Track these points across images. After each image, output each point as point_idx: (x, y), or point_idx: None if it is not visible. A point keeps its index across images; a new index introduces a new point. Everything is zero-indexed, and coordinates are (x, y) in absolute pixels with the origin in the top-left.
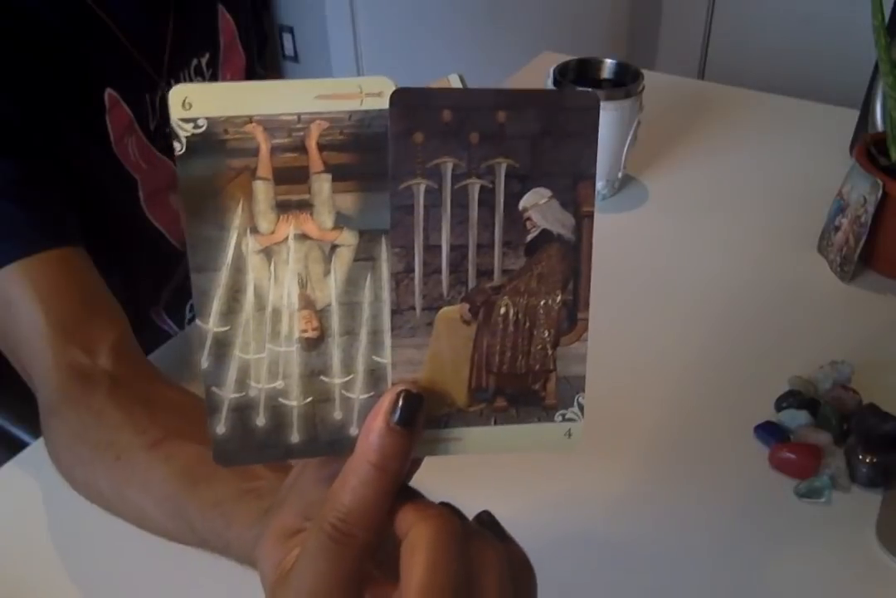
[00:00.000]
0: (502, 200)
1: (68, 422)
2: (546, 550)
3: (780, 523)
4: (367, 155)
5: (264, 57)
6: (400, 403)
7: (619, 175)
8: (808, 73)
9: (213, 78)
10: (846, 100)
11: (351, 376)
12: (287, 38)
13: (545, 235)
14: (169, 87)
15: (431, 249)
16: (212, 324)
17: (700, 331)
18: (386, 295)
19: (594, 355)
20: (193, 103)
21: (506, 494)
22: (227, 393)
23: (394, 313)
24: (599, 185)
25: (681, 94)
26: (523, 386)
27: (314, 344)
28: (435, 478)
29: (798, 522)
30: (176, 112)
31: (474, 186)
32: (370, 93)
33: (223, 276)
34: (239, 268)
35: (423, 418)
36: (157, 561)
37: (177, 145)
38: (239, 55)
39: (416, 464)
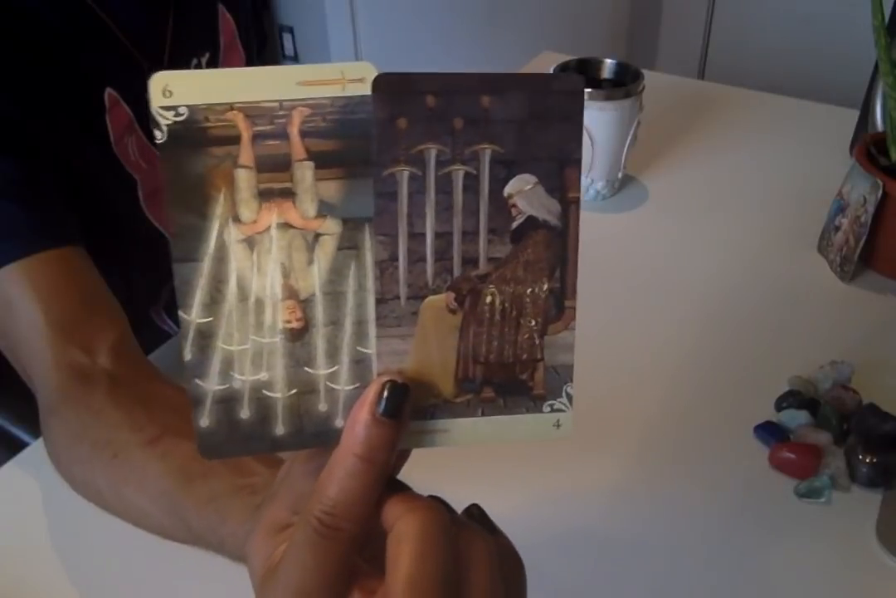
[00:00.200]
0: (487, 187)
1: (67, 422)
2: (540, 548)
3: (779, 523)
4: (350, 142)
5: (264, 57)
6: (385, 393)
7: (619, 175)
8: (808, 73)
9: None
10: (846, 100)
11: (336, 367)
12: (287, 38)
13: (531, 221)
14: None
15: (416, 236)
16: (194, 315)
17: (700, 331)
18: (370, 284)
19: (595, 354)
20: (174, 91)
21: (504, 491)
22: (211, 385)
23: (378, 302)
24: (599, 185)
25: (681, 94)
26: (511, 376)
27: (298, 335)
28: (426, 473)
29: (798, 522)
30: (156, 100)
31: (459, 172)
32: (353, 78)
33: (205, 266)
34: (221, 258)
35: (409, 409)
36: (156, 561)
37: (158, 134)
38: (239, 55)
39: (403, 457)
